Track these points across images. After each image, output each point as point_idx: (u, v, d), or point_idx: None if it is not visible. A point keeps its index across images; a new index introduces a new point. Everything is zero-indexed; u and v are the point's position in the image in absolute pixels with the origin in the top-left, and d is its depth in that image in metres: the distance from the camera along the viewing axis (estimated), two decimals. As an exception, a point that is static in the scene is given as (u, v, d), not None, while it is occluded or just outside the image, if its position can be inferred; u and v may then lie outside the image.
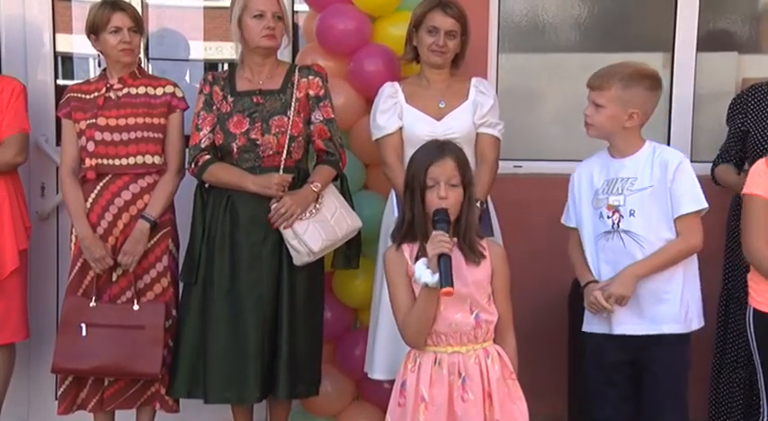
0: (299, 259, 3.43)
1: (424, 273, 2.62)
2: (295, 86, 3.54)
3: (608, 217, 3.13)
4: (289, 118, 3.49)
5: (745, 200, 3.16)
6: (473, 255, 2.76)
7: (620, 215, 3.11)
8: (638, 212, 3.10)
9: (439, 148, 2.79)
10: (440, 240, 2.62)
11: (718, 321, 3.92)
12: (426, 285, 2.64)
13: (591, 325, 3.22)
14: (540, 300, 4.03)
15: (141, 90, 3.64)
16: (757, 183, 3.13)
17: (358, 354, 3.79)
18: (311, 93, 3.56)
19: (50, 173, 4.22)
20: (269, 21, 3.47)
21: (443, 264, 2.59)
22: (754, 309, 3.17)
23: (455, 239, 2.70)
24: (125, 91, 3.63)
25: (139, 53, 3.71)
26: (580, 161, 4.28)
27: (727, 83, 4.48)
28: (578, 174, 3.29)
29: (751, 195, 3.13)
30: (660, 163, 3.14)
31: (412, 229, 2.77)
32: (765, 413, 3.20)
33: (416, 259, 2.71)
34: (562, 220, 3.32)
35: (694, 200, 3.13)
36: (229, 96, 3.55)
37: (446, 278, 2.58)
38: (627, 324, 3.12)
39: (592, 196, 3.20)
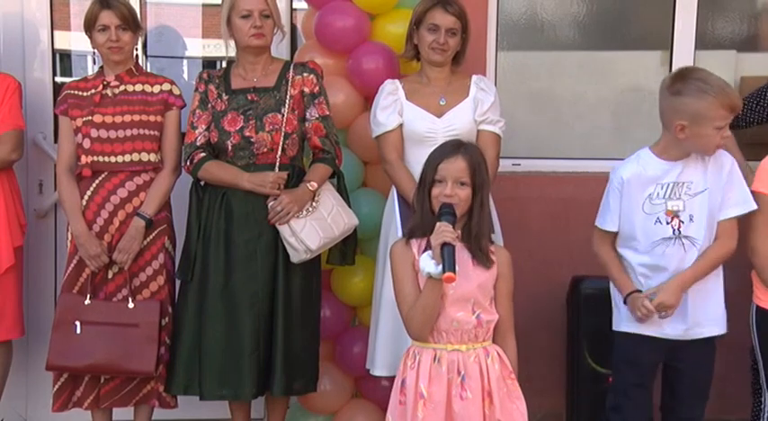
0: (297, 257, 3.43)
1: (428, 264, 2.65)
2: (289, 84, 3.54)
3: (667, 222, 3.07)
4: (283, 115, 3.49)
5: (752, 197, 3.13)
6: (483, 259, 2.78)
7: (680, 221, 3.06)
8: (696, 217, 3.07)
9: (454, 147, 2.80)
10: (443, 230, 2.64)
11: None
12: (430, 275, 2.65)
13: (629, 325, 3.17)
14: (539, 297, 4.03)
15: (138, 87, 3.63)
16: (766, 180, 3.11)
17: (356, 352, 3.79)
18: (306, 90, 3.55)
19: (48, 170, 4.21)
20: (256, 20, 3.47)
21: (446, 253, 2.61)
22: (758, 307, 3.17)
23: (459, 232, 2.71)
24: (122, 88, 3.62)
25: (133, 51, 3.70)
26: (578, 159, 4.31)
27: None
28: (623, 177, 3.14)
29: (759, 193, 3.11)
30: (714, 165, 3.09)
31: (422, 224, 2.78)
32: (766, 410, 3.20)
33: (423, 253, 2.73)
34: (598, 224, 3.22)
35: (745, 201, 3.11)
36: (224, 94, 3.56)
37: (449, 265, 2.60)
38: (674, 326, 3.10)
39: (643, 201, 3.11)
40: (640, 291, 3.10)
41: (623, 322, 3.19)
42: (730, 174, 3.10)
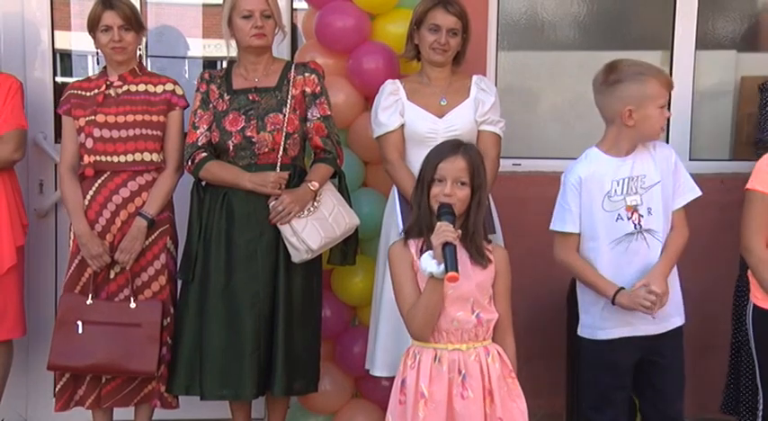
0: (298, 257, 3.43)
1: (430, 264, 2.65)
2: (291, 84, 3.54)
3: (628, 218, 3.08)
4: (284, 115, 3.49)
5: (747, 195, 3.16)
6: (479, 258, 2.78)
7: (640, 215, 3.08)
8: (653, 210, 3.09)
9: (453, 147, 2.81)
10: (444, 230, 2.65)
11: (734, 315, 3.90)
12: (431, 275, 2.65)
13: (603, 331, 3.15)
14: (539, 297, 4.03)
15: (141, 87, 3.63)
16: (762, 178, 3.12)
17: (357, 352, 3.79)
18: (307, 90, 3.56)
19: (49, 170, 4.22)
20: (257, 20, 3.48)
21: (448, 252, 2.62)
22: (755, 305, 3.18)
23: (459, 231, 2.72)
24: (125, 88, 3.62)
25: (136, 51, 3.70)
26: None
27: (725, 81, 4.50)
28: (581, 177, 3.14)
29: (754, 191, 3.13)
30: (662, 157, 3.15)
31: (419, 223, 2.79)
32: (761, 407, 3.20)
33: (422, 253, 2.73)
34: (556, 227, 3.17)
35: (693, 189, 3.18)
36: (225, 94, 3.56)
37: (451, 264, 2.60)
38: (645, 324, 3.10)
39: (602, 199, 3.11)
40: (624, 288, 3.08)
41: (594, 329, 3.16)
42: (675, 164, 3.16)
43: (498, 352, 2.82)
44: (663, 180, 3.12)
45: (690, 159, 4.29)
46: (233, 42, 3.59)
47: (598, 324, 3.16)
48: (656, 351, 3.14)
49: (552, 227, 3.19)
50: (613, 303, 3.09)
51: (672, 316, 3.15)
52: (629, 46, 4.47)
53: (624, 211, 3.09)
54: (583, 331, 3.22)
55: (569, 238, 3.16)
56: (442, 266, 2.62)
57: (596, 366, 3.20)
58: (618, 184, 3.10)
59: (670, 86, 3.12)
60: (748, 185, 3.15)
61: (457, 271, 2.60)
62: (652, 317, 3.05)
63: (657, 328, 3.12)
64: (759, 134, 3.97)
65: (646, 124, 3.08)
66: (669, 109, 3.14)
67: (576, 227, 3.14)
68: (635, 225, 3.09)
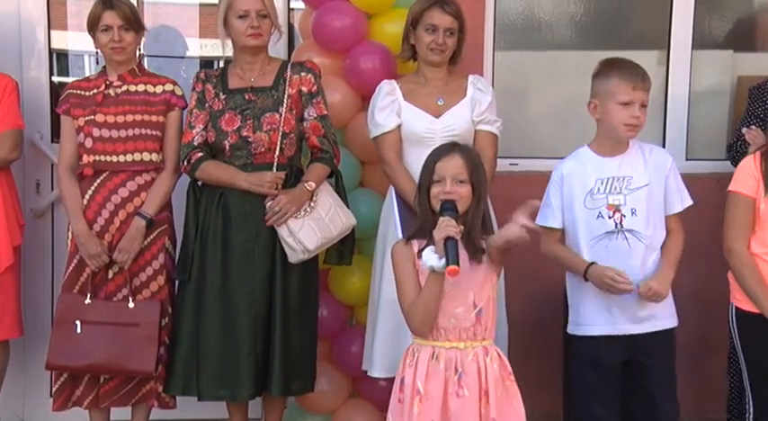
0: (294, 257, 3.43)
1: (431, 258, 2.66)
2: (287, 83, 3.54)
3: (609, 217, 3.13)
4: (280, 115, 3.49)
5: (729, 197, 3.17)
6: (478, 255, 2.78)
7: (622, 214, 3.12)
8: (638, 211, 3.13)
9: (449, 146, 2.83)
10: (446, 225, 2.66)
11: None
12: (432, 269, 2.66)
13: (588, 327, 3.20)
14: (536, 296, 4.03)
15: (141, 87, 3.63)
16: (743, 180, 3.13)
17: (354, 352, 3.79)
18: (304, 89, 3.55)
19: (45, 170, 4.22)
20: (253, 20, 3.48)
21: (450, 246, 2.63)
22: (736, 307, 3.19)
23: (462, 227, 2.72)
24: (124, 88, 3.62)
25: (136, 51, 3.69)
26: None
27: (722, 81, 4.50)
28: (563, 173, 3.23)
29: (736, 193, 3.14)
30: (655, 163, 3.20)
31: (423, 228, 2.80)
32: (751, 410, 3.21)
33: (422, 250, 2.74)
34: (539, 222, 3.19)
35: (686, 197, 3.23)
36: (221, 94, 3.55)
37: (452, 258, 2.62)
38: (626, 324, 3.14)
39: (584, 196, 3.17)
40: (595, 263, 3.11)
41: (579, 325, 3.21)
42: (672, 170, 3.22)
43: (498, 353, 2.83)
44: (652, 184, 3.16)
45: (686, 159, 4.29)
46: (229, 42, 3.58)
47: (581, 320, 3.21)
48: (644, 352, 3.17)
49: (536, 221, 3.20)
50: (586, 279, 3.12)
51: (659, 318, 3.18)
52: (625, 46, 4.47)
53: (605, 210, 3.14)
54: (570, 328, 3.27)
55: (553, 233, 3.25)
56: (444, 260, 2.63)
57: (582, 364, 3.24)
58: (602, 183, 3.16)
59: (637, 86, 3.13)
60: (730, 187, 3.17)
61: (458, 264, 2.61)
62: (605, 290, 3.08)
63: (641, 328, 3.15)
64: (731, 138, 3.97)
65: (606, 120, 3.17)
66: (646, 111, 3.16)
67: (556, 222, 3.22)
68: (616, 224, 3.12)
